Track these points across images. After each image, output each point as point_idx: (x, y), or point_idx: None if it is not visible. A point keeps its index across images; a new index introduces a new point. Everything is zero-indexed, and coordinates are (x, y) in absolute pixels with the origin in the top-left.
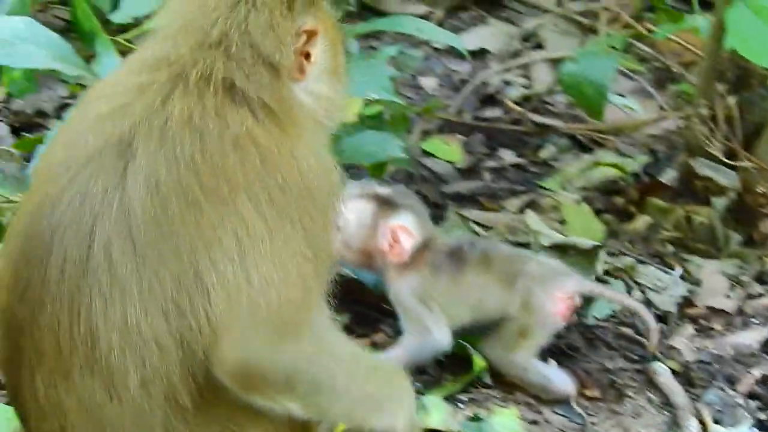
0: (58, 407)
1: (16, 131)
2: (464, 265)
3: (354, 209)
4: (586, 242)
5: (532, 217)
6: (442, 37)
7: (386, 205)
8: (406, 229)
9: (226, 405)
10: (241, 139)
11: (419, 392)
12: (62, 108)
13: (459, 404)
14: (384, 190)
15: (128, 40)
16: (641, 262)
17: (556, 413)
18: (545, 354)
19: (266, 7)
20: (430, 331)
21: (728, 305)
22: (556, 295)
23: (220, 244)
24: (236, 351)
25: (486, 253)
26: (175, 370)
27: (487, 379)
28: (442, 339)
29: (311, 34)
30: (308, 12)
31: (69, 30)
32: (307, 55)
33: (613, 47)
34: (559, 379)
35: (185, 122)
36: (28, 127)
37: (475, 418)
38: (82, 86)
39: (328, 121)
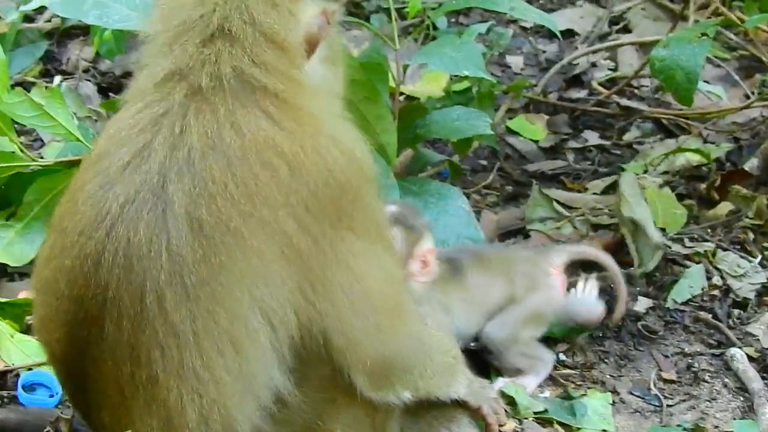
0: None
1: (103, 91)
2: (463, 269)
3: None
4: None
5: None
6: (534, 17)
7: (413, 231)
8: (432, 250)
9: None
10: (265, 151)
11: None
12: None
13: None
14: (399, 212)
15: None
16: (722, 248)
17: (633, 394)
18: (624, 335)
19: None
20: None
21: None
22: (551, 270)
23: (268, 268)
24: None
25: (478, 254)
26: (233, 402)
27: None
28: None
29: (327, 17)
30: None
31: None
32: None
33: (704, 34)
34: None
35: (206, 148)
36: (115, 88)
37: (567, 397)
38: None
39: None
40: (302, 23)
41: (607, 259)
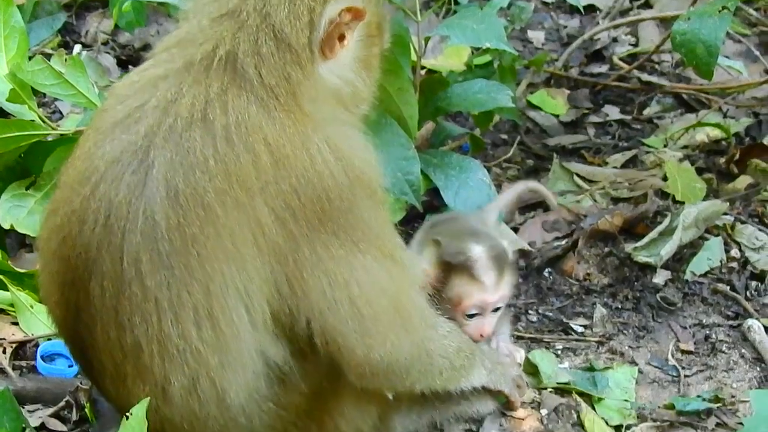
0: (129, 406)
1: (122, 64)
2: None
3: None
4: None
5: None
6: None
7: None
8: None
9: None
10: (250, 136)
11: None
12: None
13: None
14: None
15: None
16: (740, 221)
17: (651, 365)
18: (643, 307)
19: None
20: None
21: None
22: None
23: (241, 252)
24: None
25: None
26: (218, 373)
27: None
28: None
29: (356, 15)
30: None
31: None
32: (341, 37)
33: (725, 8)
34: None
35: (193, 120)
36: (134, 61)
37: (590, 368)
38: None
39: (351, 108)
40: (319, 21)
41: (534, 185)
